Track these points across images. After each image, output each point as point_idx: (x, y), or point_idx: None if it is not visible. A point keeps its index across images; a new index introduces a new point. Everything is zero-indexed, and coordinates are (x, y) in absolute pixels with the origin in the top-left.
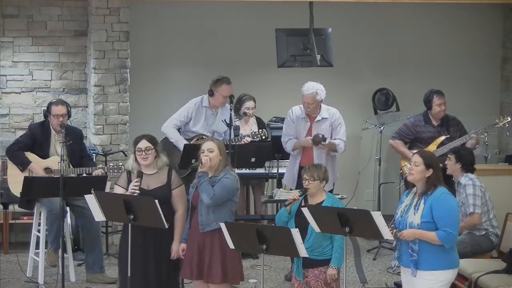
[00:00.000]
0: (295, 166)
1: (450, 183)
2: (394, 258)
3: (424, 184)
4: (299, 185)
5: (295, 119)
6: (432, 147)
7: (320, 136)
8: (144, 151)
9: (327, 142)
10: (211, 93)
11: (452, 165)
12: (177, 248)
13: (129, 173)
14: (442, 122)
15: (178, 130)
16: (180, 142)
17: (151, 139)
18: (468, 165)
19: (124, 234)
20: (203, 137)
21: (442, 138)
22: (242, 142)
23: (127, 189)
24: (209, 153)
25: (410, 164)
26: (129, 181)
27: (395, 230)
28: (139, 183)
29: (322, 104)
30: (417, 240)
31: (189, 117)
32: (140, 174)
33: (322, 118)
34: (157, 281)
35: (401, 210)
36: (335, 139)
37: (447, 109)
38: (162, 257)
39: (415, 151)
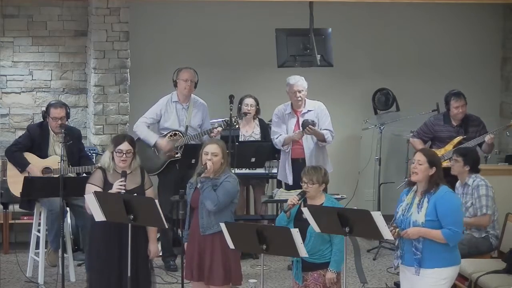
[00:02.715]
0: (287, 159)
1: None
2: (396, 257)
3: (427, 182)
4: (294, 179)
5: (282, 116)
6: (449, 147)
7: (310, 121)
8: (125, 153)
9: (315, 127)
10: (175, 84)
11: (459, 167)
12: (156, 249)
13: (104, 171)
14: (462, 122)
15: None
16: (150, 136)
17: (132, 141)
18: (476, 166)
19: (94, 230)
20: (177, 132)
21: (460, 138)
22: (214, 132)
23: (103, 188)
24: (213, 157)
25: (413, 163)
26: (105, 180)
27: (397, 229)
28: (124, 182)
29: (306, 99)
30: (421, 239)
31: (159, 114)
32: (124, 174)
33: (308, 110)
34: (132, 280)
35: (402, 208)
36: (321, 130)
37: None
38: (137, 259)
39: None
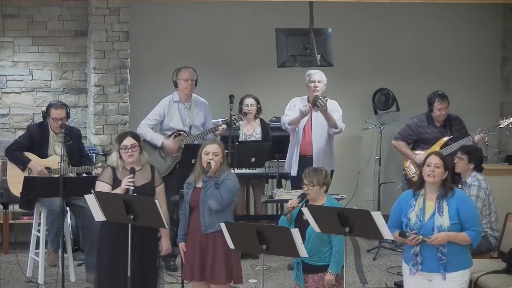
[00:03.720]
0: (294, 153)
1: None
2: (415, 263)
3: (441, 186)
4: (298, 174)
5: (297, 105)
6: (435, 148)
7: (321, 97)
8: (130, 148)
9: (326, 102)
10: (175, 84)
11: (464, 165)
12: (167, 246)
13: (113, 169)
14: (445, 123)
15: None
16: (156, 138)
17: (135, 136)
18: (480, 164)
19: (103, 231)
20: (181, 132)
21: (446, 139)
22: (219, 130)
23: (112, 185)
24: (215, 157)
25: (428, 166)
26: (114, 177)
27: (421, 236)
28: (133, 179)
29: None
30: (446, 243)
31: (162, 115)
32: (133, 170)
33: None
34: (137, 279)
35: (416, 214)
36: None
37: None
38: (144, 257)
39: (417, 151)
